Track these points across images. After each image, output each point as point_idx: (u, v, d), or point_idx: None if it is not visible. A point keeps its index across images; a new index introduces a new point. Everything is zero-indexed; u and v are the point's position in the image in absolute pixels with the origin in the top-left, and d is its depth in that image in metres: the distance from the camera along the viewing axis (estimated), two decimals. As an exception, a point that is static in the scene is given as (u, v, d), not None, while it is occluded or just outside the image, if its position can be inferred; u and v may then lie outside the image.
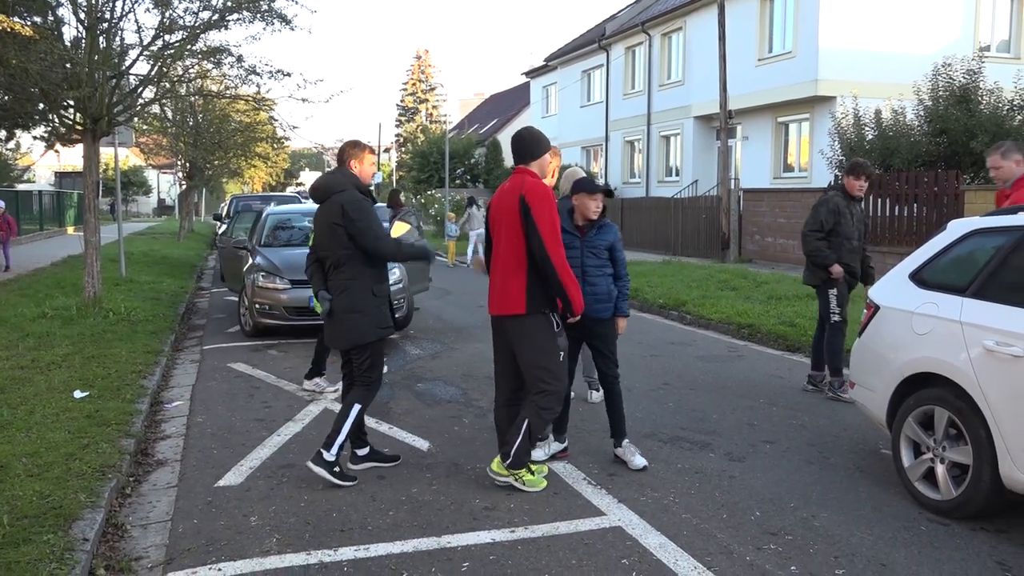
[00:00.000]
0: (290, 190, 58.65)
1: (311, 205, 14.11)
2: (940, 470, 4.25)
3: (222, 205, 28.89)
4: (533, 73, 38.21)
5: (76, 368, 7.20)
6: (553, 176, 5.19)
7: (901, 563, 3.71)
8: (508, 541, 3.97)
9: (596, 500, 4.50)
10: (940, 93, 16.11)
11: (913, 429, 4.42)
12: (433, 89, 67.55)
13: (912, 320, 4.47)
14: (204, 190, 38.42)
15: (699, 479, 4.84)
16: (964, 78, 16.05)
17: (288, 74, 10.18)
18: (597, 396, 6.60)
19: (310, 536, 4.02)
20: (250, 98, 13.37)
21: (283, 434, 5.77)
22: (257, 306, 9.34)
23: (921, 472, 4.38)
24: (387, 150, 67.59)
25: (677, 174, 26.80)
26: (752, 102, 22.00)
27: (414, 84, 67.43)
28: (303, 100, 11.26)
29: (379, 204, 11.51)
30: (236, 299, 11.89)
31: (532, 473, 4.64)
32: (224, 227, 13.47)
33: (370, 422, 6.01)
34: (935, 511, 4.25)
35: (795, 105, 21.59)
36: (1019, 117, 15.98)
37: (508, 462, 4.55)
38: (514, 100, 45.37)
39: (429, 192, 33.63)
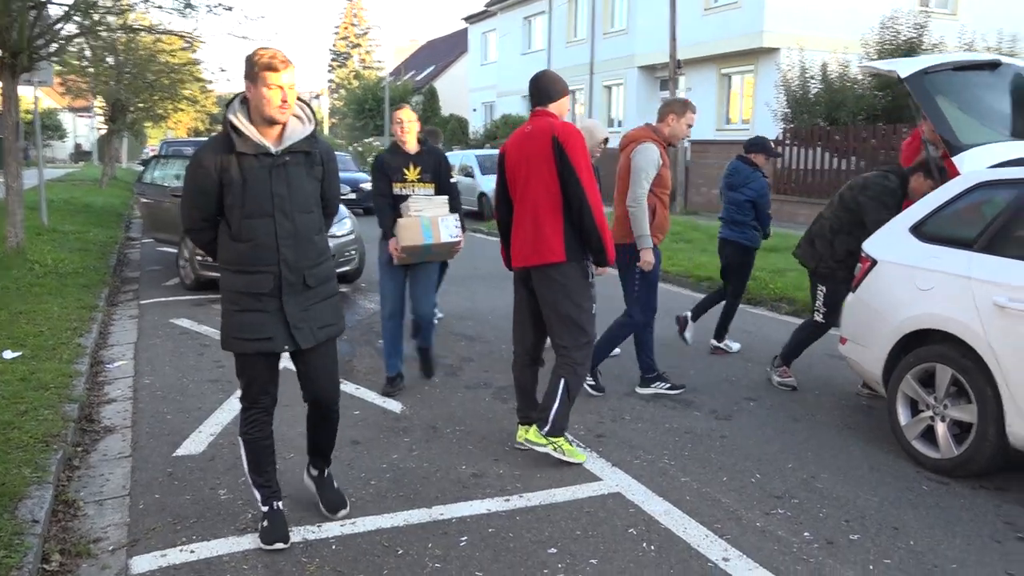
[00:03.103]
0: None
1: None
2: (941, 428, 4.16)
3: (146, 150, 27.47)
4: (472, 19, 37.24)
5: (3, 326, 6.61)
6: None
7: (913, 526, 3.60)
8: (505, 511, 3.72)
9: (588, 464, 4.28)
10: (886, 47, 16.19)
11: (912, 387, 4.30)
12: (366, 33, 65.47)
13: (914, 275, 4.32)
14: (126, 135, 36.50)
15: (690, 439, 4.66)
16: (910, 32, 16.16)
17: (230, 8, 9.47)
18: None
19: (288, 511, 3.67)
20: (179, 34, 12.52)
21: (242, 396, 5.37)
22: (200, 258, 8.78)
23: (919, 430, 4.28)
24: (318, 96, 65.61)
25: (620, 125, 26.56)
26: (696, 53, 21.81)
27: (346, 28, 65.22)
28: (243, 38, 10.52)
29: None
30: (172, 250, 11.24)
31: (570, 443, 4.35)
32: (144, 172, 12.20)
33: (335, 382, 5.66)
34: (934, 469, 4.17)
35: (740, 57, 21.51)
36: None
37: (547, 429, 4.21)
38: (452, 46, 44.29)
39: (366, 140, 32.71)
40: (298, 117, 3.23)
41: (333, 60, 65.48)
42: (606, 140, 5.87)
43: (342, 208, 9.65)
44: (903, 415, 4.38)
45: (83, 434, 4.69)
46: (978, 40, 16.93)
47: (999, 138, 4.62)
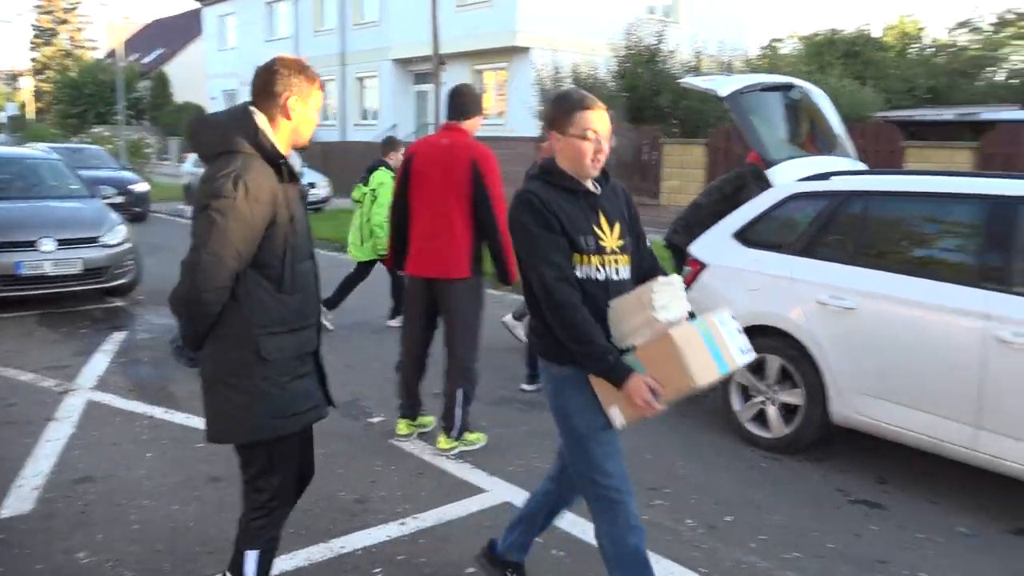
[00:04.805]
0: None
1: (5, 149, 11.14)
2: (772, 411, 4.70)
3: None
4: (206, 0, 34.92)
5: None
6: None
7: (768, 502, 4.06)
8: (405, 536, 3.66)
9: (465, 475, 4.33)
10: (631, 52, 17.62)
11: (744, 375, 4.82)
12: (74, 9, 58.82)
13: (742, 277, 4.83)
14: None
15: (552, 441, 4.79)
16: (651, 39, 17.71)
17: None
18: None
19: (172, 566, 3.36)
20: None
21: (53, 439, 4.73)
22: (-59, 275, 7.51)
23: (752, 414, 4.81)
24: (17, 77, 58.10)
25: (375, 117, 26.43)
26: (450, 48, 22.17)
27: (51, 1, 58.18)
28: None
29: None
30: None
31: (472, 431, 4.73)
32: None
33: (159, 412, 5.19)
34: (767, 448, 4.71)
35: (493, 54, 22.26)
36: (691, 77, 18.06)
37: (455, 433, 4.59)
38: (182, 28, 41.27)
39: (96, 130, 29.54)
40: None
41: (36, 37, 58.14)
42: None
43: (113, 214, 8.76)
44: (737, 401, 4.89)
45: None
46: (699, 46, 18.93)
47: (800, 153, 5.28)
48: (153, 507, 3.89)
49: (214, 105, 34.48)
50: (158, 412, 5.19)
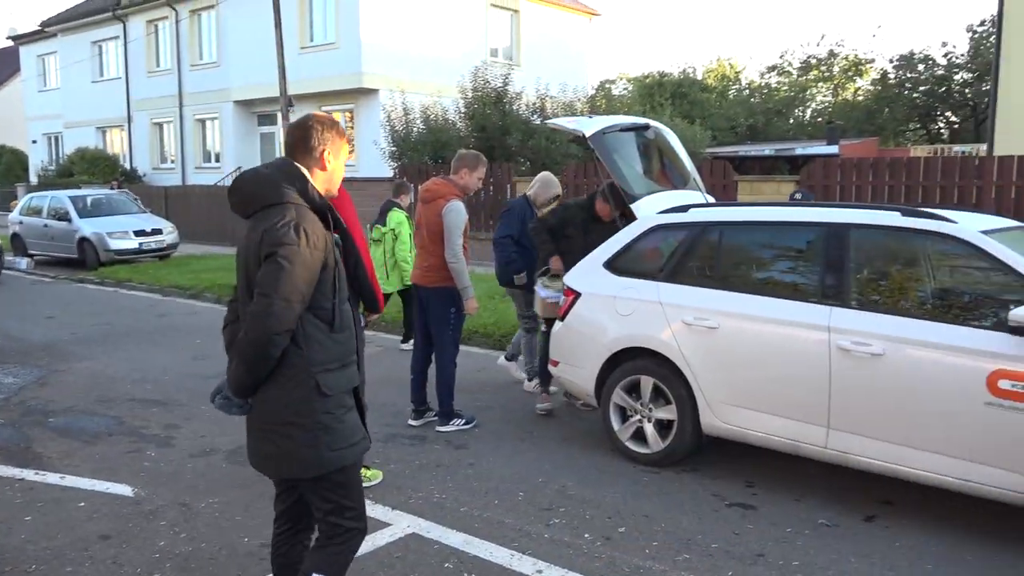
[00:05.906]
0: None
1: None
2: (649, 428, 5.07)
3: None
4: (23, 39, 32.82)
5: None
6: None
7: (656, 512, 4.38)
8: (318, 574, 3.69)
9: (368, 512, 4.36)
10: (479, 94, 18.15)
11: (621, 397, 5.17)
12: None
13: (615, 303, 5.20)
14: None
15: (445, 472, 5.00)
16: (497, 82, 18.32)
17: None
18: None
19: (77, 628, 3.25)
20: None
21: (-89, 511, 4.40)
22: None
23: (631, 433, 5.16)
24: None
25: (217, 160, 25.66)
26: (297, 89, 21.96)
27: None
28: None
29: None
30: None
31: (368, 468, 4.75)
32: None
33: (30, 475, 4.93)
34: (646, 463, 5.06)
35: (341, 95, 22.26)
36: (537, 118, 18.81)
37: None
38: (-5, 68, 38.43)
39: None
40: None
41: None
42: (558, 196, 6.49)
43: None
44: (615, 422, 5.22)
45: None
46: (543, 89, 19.75)
47: (658, 188, 5.75)
48: (43, 571, 3.72)
49: (35, 150, 32.36)
50: (28, 474, 4.92)
